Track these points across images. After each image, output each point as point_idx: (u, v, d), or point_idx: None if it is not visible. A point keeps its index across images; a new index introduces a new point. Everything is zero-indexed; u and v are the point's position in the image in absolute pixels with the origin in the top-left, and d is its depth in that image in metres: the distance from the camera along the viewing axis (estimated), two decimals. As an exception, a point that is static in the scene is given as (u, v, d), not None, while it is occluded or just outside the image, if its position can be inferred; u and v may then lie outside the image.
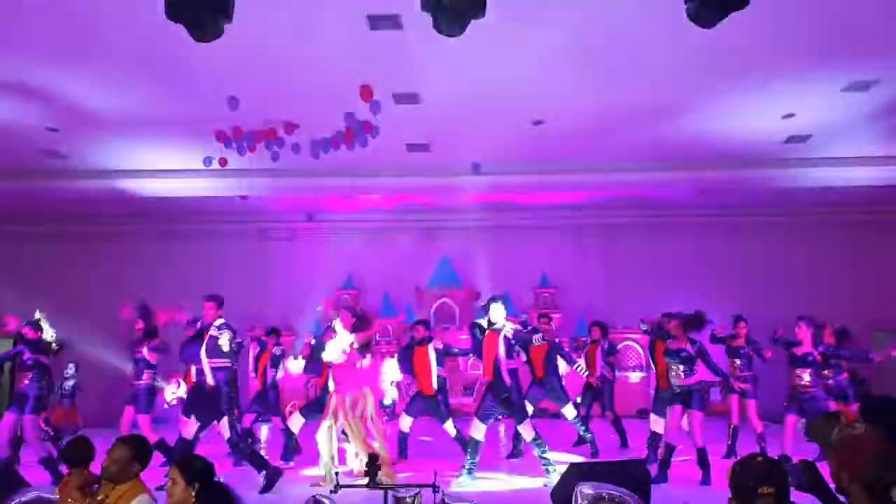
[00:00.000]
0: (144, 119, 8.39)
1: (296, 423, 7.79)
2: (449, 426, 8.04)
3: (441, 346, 8.25)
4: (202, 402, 6.80)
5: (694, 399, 6.83)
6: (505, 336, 6.72)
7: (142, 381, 7.96)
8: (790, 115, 8.53)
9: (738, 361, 8.48)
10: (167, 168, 10.38)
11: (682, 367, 6.86)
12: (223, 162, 8.91)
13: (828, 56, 6.86)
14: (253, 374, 9.43)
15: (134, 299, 11.07)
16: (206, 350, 6.77)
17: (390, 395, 10.07)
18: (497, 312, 6.82)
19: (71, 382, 10.95)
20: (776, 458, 2.14)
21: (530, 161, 10.08)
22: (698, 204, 12.55)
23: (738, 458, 2.26)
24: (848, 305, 11.70)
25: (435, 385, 8.08)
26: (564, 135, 8.98)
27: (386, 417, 11.01)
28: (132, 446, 3.26)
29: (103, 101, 7.85)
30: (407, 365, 8.26)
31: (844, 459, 1.71)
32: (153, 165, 10.29)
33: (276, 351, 9.31)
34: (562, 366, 8.69)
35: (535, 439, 6.84)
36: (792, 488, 1.90)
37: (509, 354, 6.92)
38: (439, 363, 8.13)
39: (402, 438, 8.16)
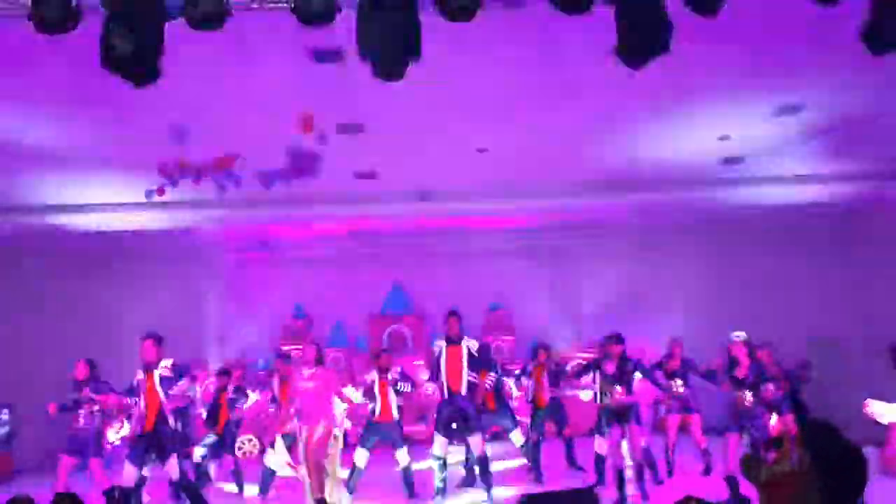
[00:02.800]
0: (80, 153, 8.17)
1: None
2: (402, 455, 7.98)
3: (397, 377, 8.21)
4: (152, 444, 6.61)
5: (632, 416, 7.00)
6: (468, 349, 6.87)
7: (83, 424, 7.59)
8: (725, 137, 8.85)
9: (677, 381, 8.65)
10: (107, 202, 10.09)
11: (618, 387, 6.99)
12: (161, 191, 8.74)
13: (758, 81, 7.17)
14: (203, 414, 9.14)
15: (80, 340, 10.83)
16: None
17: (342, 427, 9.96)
18: (456, 326, 7.02)
19: (4, 429, 10.45)
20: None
21: (477, 187, 10.17)
22: (641, 224, 12.87)
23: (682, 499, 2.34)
24: (784, 318, 12.14)
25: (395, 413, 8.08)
26: (507, 161, 9.10)
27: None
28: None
29: (32, 134, 7.62)
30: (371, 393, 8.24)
31: (772, 498, 1.78)
32: (91, 200, 9.99)
33: (231, 394, 8.99)
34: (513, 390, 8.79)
35: (481, 459, 6.93)
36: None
37: (472, 368, 7.11)
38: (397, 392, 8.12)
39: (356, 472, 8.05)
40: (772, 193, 10.79)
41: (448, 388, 7.38)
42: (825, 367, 12.77)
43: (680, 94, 7.29)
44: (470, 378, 7.34)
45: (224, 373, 9.35)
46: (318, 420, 6.38)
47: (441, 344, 7.65)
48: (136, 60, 2.60)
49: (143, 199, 9.32)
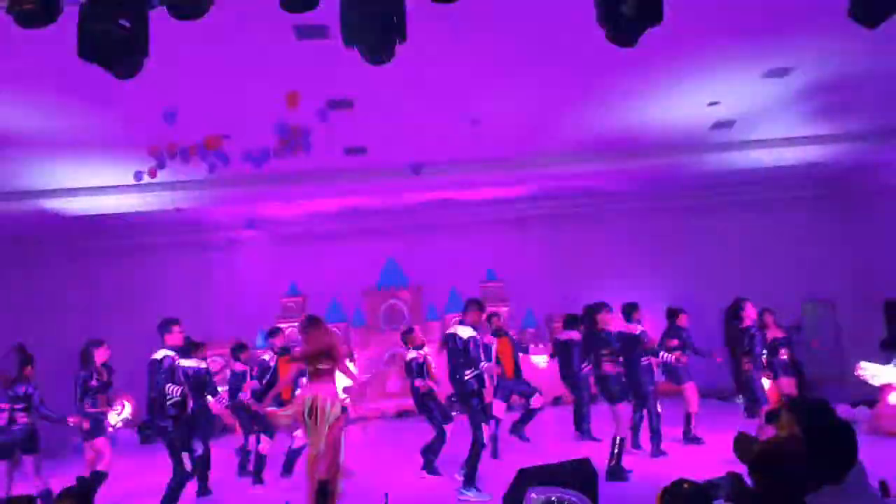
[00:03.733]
0: (70, 138, 8.12)
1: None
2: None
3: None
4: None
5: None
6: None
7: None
8: (715, 103, 8.83)
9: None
10: (96, 185, 10.04)
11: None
12: (153, 173, 8.66)
13: (747, 45, 7.12)
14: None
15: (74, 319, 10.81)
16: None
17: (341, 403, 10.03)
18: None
19: None
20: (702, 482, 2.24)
21: (470, 159, 10.14)
22: (634, 191, 12.88)
23: (671, 484, 2.39)
24: (780, 280, 12.25)
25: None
26: (501, 132, 9.07)
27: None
28: (78, 500, 3.11)
29: (17, 121, 7.55)
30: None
31: (763, 476, 1.82)
32: (81, 183, 9.94)
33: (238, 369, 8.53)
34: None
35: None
36: (723, 500, 2.00)
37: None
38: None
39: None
40: (763, 156, 10.79)
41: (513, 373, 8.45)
42: (819, 327, 12.94)
43: (669, 60, 7.25)
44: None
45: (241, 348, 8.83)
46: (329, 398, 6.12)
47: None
48: (117, 52, 2.57)
49: (133, 182, 9.28)
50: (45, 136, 8.02)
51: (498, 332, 8.63)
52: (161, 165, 8.17)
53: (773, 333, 8.43)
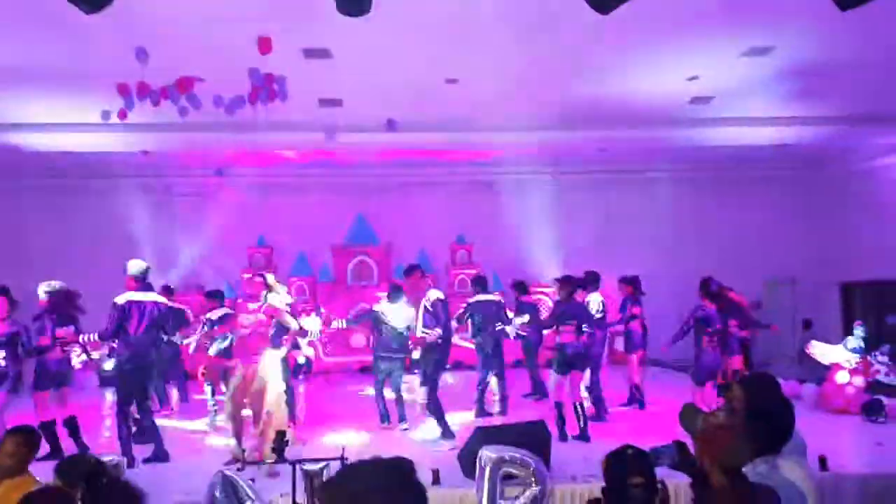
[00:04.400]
0: (36, 71, 7.84)
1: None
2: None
3: None
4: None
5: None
6: None
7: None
8: (694, 78, 8.84)
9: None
10: (62, 122, 9.74)
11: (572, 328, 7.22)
12: (122, 114, 8.43)
13: (729, 22, 7.11)
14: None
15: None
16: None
17: (304, 354, 10.08)
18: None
19: None
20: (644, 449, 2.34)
21: (444, 118, 10.02)
22: (606, 160, 12.94)
23: (618, 448, 2.51)
24: (744, 258, 12.50)
25: None
26: (477, 93, 8.98)
27: (301, 376, 11.05)
28: (26, 437, 3.12)
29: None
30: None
31: (706, 446, 1.89)
32: (46, 119, 9.64)
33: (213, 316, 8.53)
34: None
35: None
36: (667, 467, 2.08)
37: None
38: None
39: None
40: (736, 134, 10.89)
41: None
42: (776, 307, 13.30)
43: (648, 32, 7.21)
44: None
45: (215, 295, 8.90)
46: (255, 359, 6.13)
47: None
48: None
49: (100, 121, 9.04)
50: (9, 68, 7.71)
51: None
52: (130, 106, 7.94)
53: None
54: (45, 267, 9.26)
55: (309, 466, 3.20)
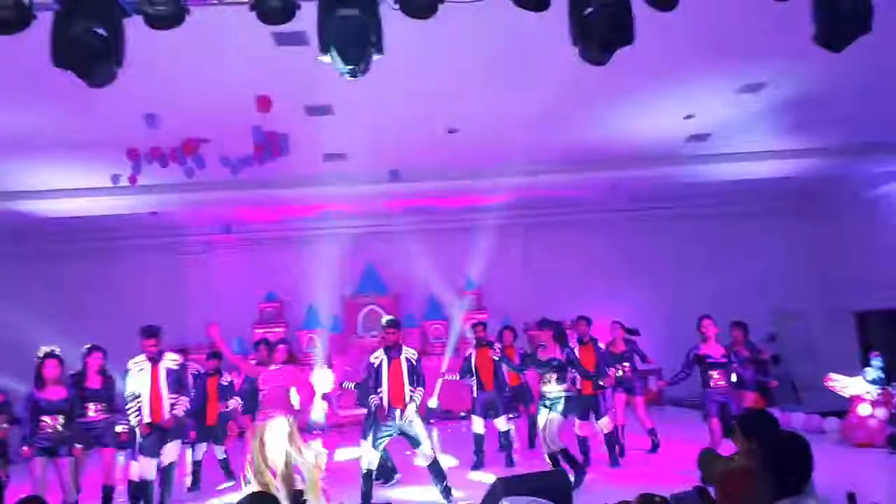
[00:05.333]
0: (44, 139, 8.02)
1: None
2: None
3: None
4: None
5: (568, 406, 6.82)
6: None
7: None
8: (690, 116, 8.97)
9: (625, 364, 8.47)
10: (69, 188, 9.92)
11: (555, 376, 6.83)
12: (133, 180, 8.60)
13: (721, 61, 7.25)
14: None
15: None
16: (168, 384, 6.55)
17: (320, 409, 9.96)
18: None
19: None
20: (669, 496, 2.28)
21: (447, 167, 10.17)
22: (610, 200, 13.01)
23: (640, 497, 2.41)
24: (751, 291, 12.43)
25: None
26: (478, 141, 9.12)
27: (317, 431, 10.91)
28: None
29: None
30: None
31: (725, 492, 1.86)
32: (54, 185, 9.81)
33: (224, 381, 8.46)
34: None
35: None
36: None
37: None
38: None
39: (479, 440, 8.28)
40: (737, 169, 10.95)
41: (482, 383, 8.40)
42: (790, 339, 13.16)
43: (644, 75, 7.34)
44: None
45: (214, 356, 8.58)
46: (275, 414, 5.91)
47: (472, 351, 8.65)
48: (91, 60, 2.55)
49: (110, 184, 9.22)
50: (20, 137, 7.90)
51: (480, 343, 8.60)
52: (138, 169, 8.11)
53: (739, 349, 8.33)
54: (54, 330, 9.27)
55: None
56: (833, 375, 8.81)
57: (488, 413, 8.42)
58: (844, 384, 8.63)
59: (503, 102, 7.96)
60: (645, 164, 10.61)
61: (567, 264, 13.35)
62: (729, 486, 1.85)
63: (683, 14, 5.74)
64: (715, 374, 7.16)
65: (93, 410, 6.53)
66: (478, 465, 8.13)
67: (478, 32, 6.18)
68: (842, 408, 8.70)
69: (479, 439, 8.26)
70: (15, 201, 10.09)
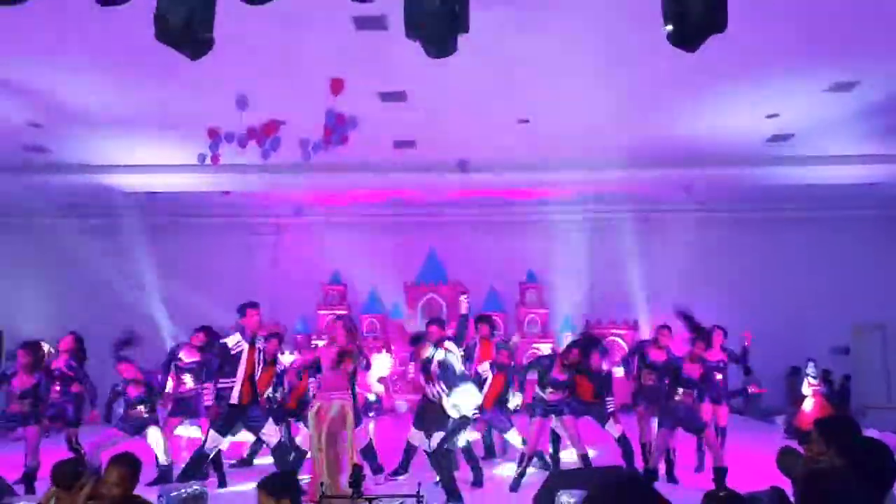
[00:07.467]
0: (131, 116, 8.39)
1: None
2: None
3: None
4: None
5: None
6: None
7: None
8: (774, 115, 8.63)
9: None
10: (152, 163, 10.34)
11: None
12: (216, 160, 8.84)
13: (812, 58, 6.95)
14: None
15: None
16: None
17: (375, 391, 10.13)
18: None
19: None
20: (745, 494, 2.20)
21: (517, 158, 10.09)
22: (685, 200, 12.64)
23: (706, 495, 2.30)
24: (831, 301, 11.91)
25: None
26: (550, 133, 9.02)
27: (372, 414, 11.07)
28: (131, 465, 3.15)
29: (85, 97, 7.84)
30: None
31: (808, 492, 1.79)
32: (138, 161, 10.25)
33: (279, 369, 7.92)
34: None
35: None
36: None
37: None
38: None
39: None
40: (820, 173, 10.48)
41: None
42: (867, 351, 12.55)
43: (730, 69, 7.09)
44: None
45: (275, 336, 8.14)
46: (333, 397, 5.79)
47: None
48: (188, 34, 2.65)
49: (193, 163, 9.54)
50: (109, 111, 8.27)
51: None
52: (217, 148, 8.34)
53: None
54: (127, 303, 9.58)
55: (386, 503, 3.20)
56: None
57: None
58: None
59: (578, 96, 7.84)
60: (722, 163, 10.27)
61: (633, 264, 13.06)
62: (819, 485, 1.77)
63: (773, 4, 5.58)
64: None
65: (191, 382, 6.97)
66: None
67: (557, 28, 6.10)
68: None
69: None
70: (97, 174, 10.58)
